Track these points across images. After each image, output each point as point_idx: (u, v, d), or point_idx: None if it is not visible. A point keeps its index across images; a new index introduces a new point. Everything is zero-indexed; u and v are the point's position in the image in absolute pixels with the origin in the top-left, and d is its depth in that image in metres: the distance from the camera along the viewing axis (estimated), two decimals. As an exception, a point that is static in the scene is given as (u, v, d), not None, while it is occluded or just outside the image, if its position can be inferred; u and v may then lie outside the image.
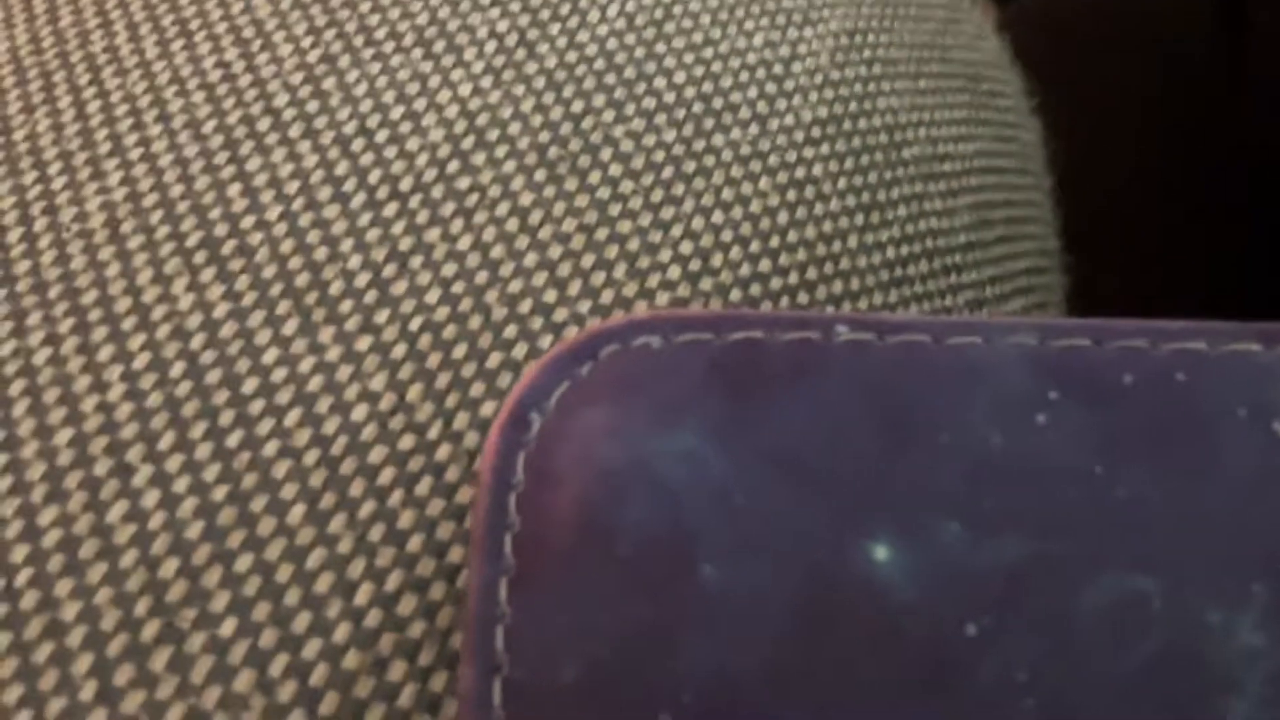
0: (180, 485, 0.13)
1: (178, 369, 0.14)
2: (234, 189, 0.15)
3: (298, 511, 0.13)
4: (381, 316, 0.15)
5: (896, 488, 0.12)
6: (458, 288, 0.15)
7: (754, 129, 0.17)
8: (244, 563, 0.13)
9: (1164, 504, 0.12)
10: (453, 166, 0.16)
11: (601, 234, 0.16)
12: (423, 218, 0.15)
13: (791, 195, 0.17)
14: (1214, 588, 0.11)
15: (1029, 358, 0.12)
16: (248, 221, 0.15)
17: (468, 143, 0.16)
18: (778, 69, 0.18)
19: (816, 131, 0.18)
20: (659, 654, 0.11)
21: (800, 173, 0.17)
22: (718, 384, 0.12)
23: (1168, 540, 0.12)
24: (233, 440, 0.14)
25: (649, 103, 0.17)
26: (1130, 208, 0.31)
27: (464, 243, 0.15)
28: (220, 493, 0.13)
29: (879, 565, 0.12)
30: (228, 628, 0.13)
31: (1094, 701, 0.11)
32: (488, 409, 0.14)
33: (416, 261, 0.15)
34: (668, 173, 0.16)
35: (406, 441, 0.14)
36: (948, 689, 0.11)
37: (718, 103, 0.17)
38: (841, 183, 0.18)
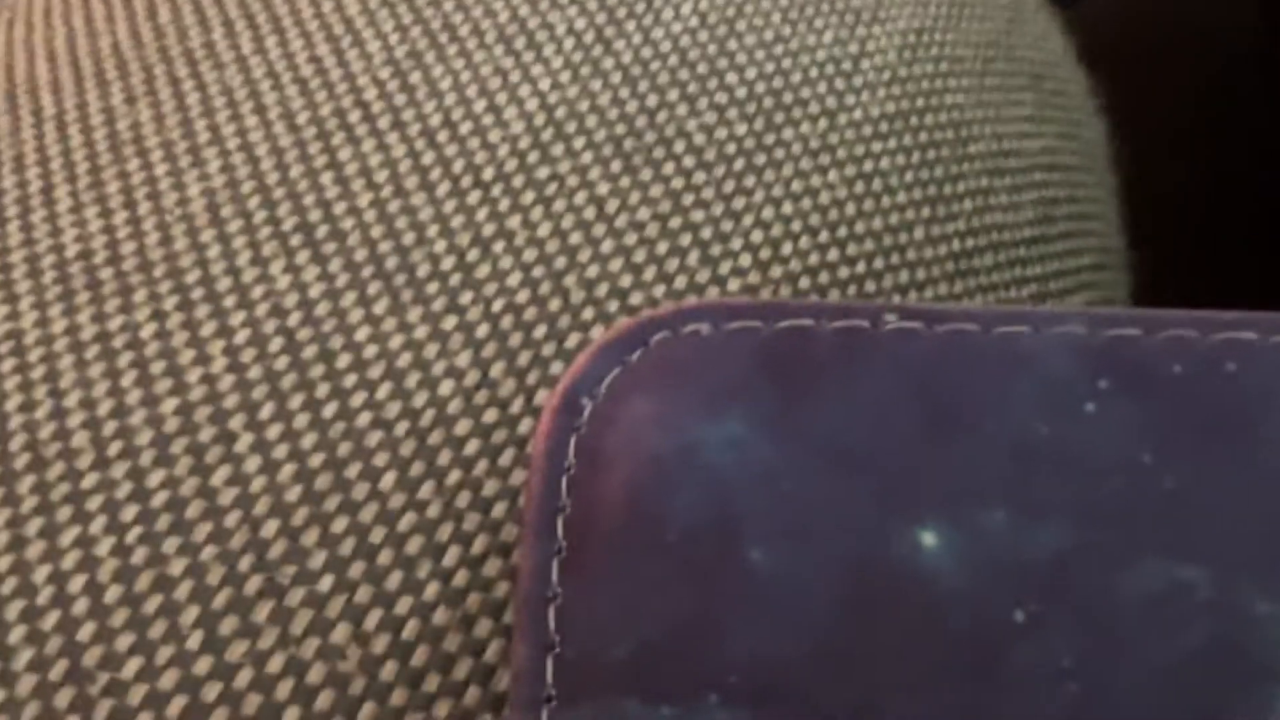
0: (280, 452, 0.14)
1: (276, 344, 0.15)
2: (327, 177, 0.16)
3: (389, 478, 0.14)
4: (466, 298, 0.15)
5: (943, 475, 0.12)
6: (537, 271, 0.15)
7: (823, 123, 0.18)
8: (340, 524, 0.14)
9: (1212, 494, 0.12)
10: (533, 157, 0.16)
11: (675, 222, 0.16)
12: (504, 205, 0.16)
13: (859, 188, 0.17)
14: (1261, 578, 0.11)
15: (1078, 347, 0.12)
16: (340, 207, 0.16)
17: (547, 134, 0.16)
18: (846, 65, 0.18)
19: (884, 126, 0.18)
20: (707, 636, 0.12)
21: (868, 166, 0.18)
22: (766, 371, 0.12)
23: (1215, 530, 0.12)
24: (328, 411, 0.14)
25: (721, 97, 0.17)
26: (1194, 207, 0.31)
27: (543, 229, 0.16)
28: (317, 459, 0.14)
29: (925, 551, 0.12)
30: (325, 584, 0.13)
31: (1137, 689, 0.11)
32: None
33: (499, 246, 0.16)
34: (739, 165, 0.17)
35: (490, 415, 0.14)
36: (992, 674, 0.11)
37: (788, 98, 0.18)
38: (908, 176, 0.18)
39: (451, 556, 0.14)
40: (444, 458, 0.14)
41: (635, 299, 0.16)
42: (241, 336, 0.15)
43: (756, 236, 0.16)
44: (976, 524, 0.12)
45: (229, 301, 0.15)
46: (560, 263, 0.16)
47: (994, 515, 0.12)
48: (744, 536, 0.12)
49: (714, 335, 0.13)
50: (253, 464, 0.14)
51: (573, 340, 0.15)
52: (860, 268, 0.17)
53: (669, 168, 0.17)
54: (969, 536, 0.12)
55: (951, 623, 0.11)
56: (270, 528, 0.14)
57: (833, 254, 0.17)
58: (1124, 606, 0.11)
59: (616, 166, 0.16)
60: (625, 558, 0.12)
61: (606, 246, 0.16)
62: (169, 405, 0.14)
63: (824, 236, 0.17)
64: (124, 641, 0.13)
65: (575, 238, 0.16)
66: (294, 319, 0.15)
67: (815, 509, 0.12)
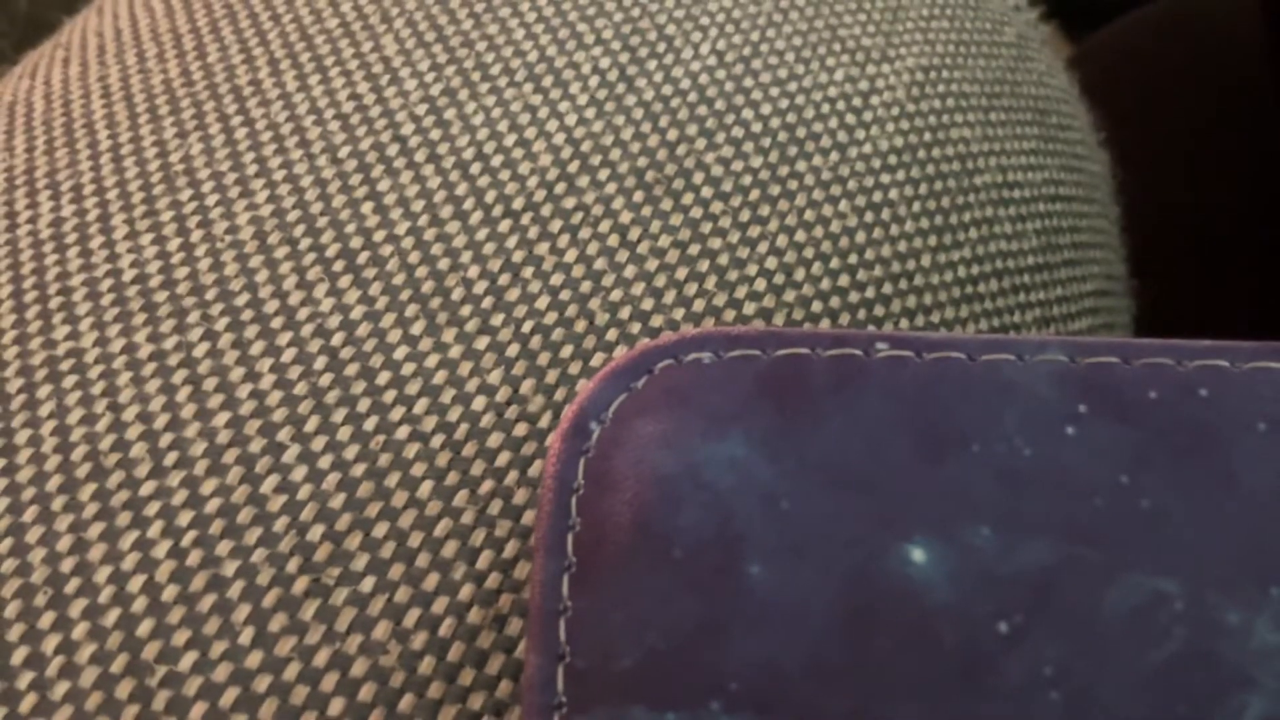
0: (324, 462, 0.15)
1: (320, 362, 0.16)
2: (367, 207, 0.17)
3: (427, 486, 0.15)
4: (498, 320, 0.16)
5: (932, 494, 0.12)
6: (565, 295, 0.16)
7: (834, 156, 0.18)
8: (381, 529, 0.15)
9: (1186, 512, 0.12)
10: (560, 188, 0.17)
11: (694, 249, 0.17)
12: (533, 233, 0.17)
13: (869, 217, 0.18)
14: (1233, 590, 0.12)
15: (1059, 374, 0.13)
16: (379, 235, 0.17)
17: (573, 167, 0.17)
18: (857, 101, 0.19)
19: (893, 159, 0.19)
20: (709, 646, 0.12)
21: (878, 197, 0.18)
22: (765, 396, 0.13)
23: (1190, 546, 0.12)
24: (369, 424, 0.15)
25: (738, 132, 0.18)
26: (1195, 235, 0.32)
27: (570, 256, 0.17)
28: (359, 469, 0.15)
29: (916, 567, 0.12)
30: (367, 584, 0.14)
31: (1118, 695, 0.11)
32: None
33: (528, 272, 0.17)
34: (755, 195, 0.18)
35: (520, 429, 0.15)
36: (979, 683, 0.12)
37: (801, 132, 0.18)
38: (916, 206, 0.19)
39: (484, 560, 0.14)
40: (477, 468, 0.15)
41: (656, 321, 0.16)
42: (288, 355, 0.16)
43: (771, 263, 0.17)
44: (964, 540, 0.12)
45: (276, 323, 0.16)
46: (586, 287, 0.16)
47: (981, 532, 0.12)
48: (745, 552, 0.12)
49: (715, 362, 0.13)
50: (299, 473, 0.15)
51: (597, 359, 0.16)
52: (870, 293, 0.18)
53: (688, 198, 0.17)
54: (957, 552, 0.12)
55: (941, 634, 0.12)
56: (316, 532, 0.15)
57: (843, 280, 0.18)
58: (1104, 619, 0.12)
59: (639, 197, 0.17)
60: (632, 573, 0.12)
61: (629, 272, 0.17)
62: (221, 419, 0.15)
63: (835, 263, 0.18)
64: (180, 637, 0.14)
65: (600, 263, 0.17)
66: (337, 339, 0.16)
67: (812, 526, 0.12)
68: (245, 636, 0.14)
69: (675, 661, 0.12)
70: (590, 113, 0.18)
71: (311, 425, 0.15)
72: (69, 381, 0.16)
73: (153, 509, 0.15)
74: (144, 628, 0.14)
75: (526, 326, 0.16)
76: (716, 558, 0.12)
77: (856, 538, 0.12)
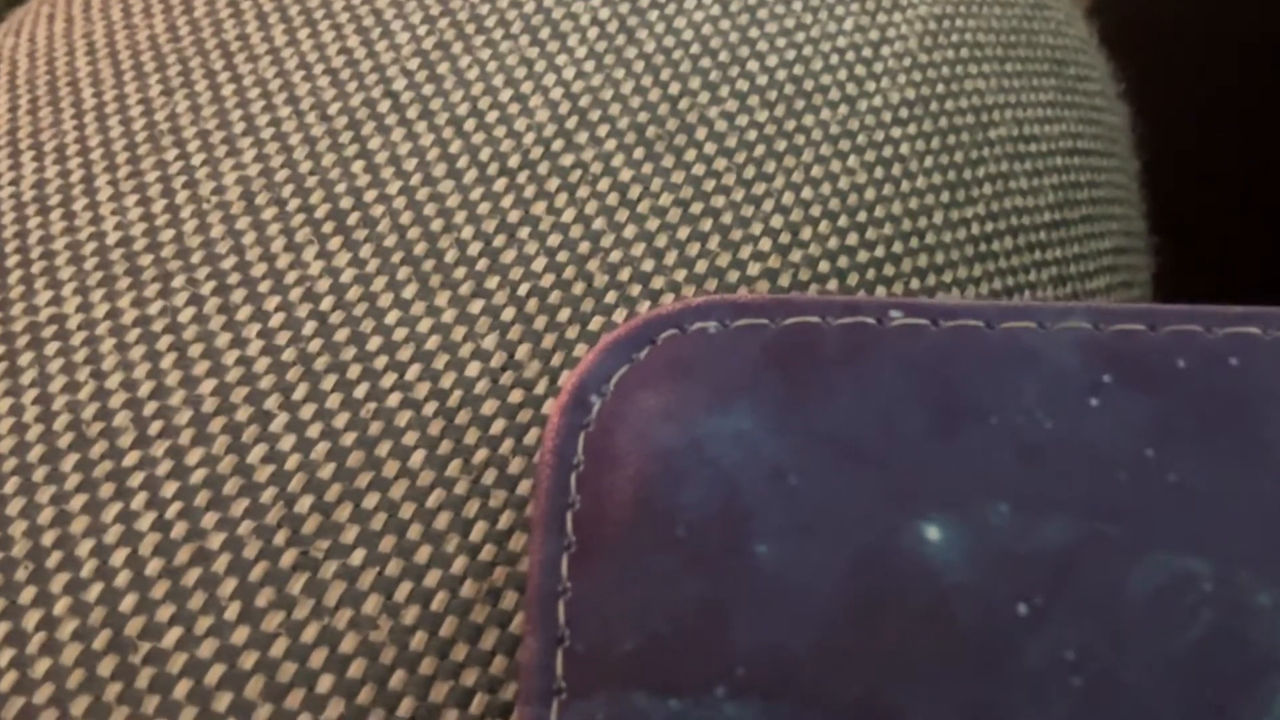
0: (313, 431, 0.14)
1: (309, 327, 0.15)
2: (358, 165, 0.16)
3: (419, 456, 0.14)
4: (492, 282, 0.16)
5: (948, 470, 0.12)
6: (562, 256, 0.16)
7: (843, 110, 0.18)
8: (371, 500, 0.14)
9: (1214, 487, 0.12)
10: (557, 145, 0.17)
11: (696, 208, 0.17)
12: (530, 192, 0.16)
13: (879, 173, 0.18)
14: (1264, 570, 0.11)
15: (1082, 342, 0.12)
16: (370, 195, 0.16)
17: (571, 123, 0.17)
18: (866, 52, 0.19)
19: (904, 112, 0.18)
20: (714, 629, 0.12)
21: (888, 151, 0.18)
22: (772, 367, 0.12)
23: (1218, 522, 0.12)
24: (359, 391, 0.15)
25: (742, 85, 0.18)
26: (1218, 192, 0.31)
27: (568, 215, 0.16)
28: (349, 438, 0.14)
29: (930, 545, 0.12)
30: (357, 557, 0.14)
31: (1142, 680, 0.11)
32: None
33: (524, 232, 0.16)
34: (760, 151, 0.17)
35: (516, 395, 0.15)
36: (997, 667, 0.11)
37: (808, 85, 0.18)
38: (928, 161, 0.18)
39: (478, 531, 0.14)
40: (471, 436, 0.15)
41: (657, 283, 0.16)
42: (276, 320, 0.15)
43: (777, 221, 0.17)
44: (981, 518, 0.12)
45: (264, 286, 0.15)
46: (584, 247, 0.16)
47: (999, 509, 0.12)
48: (751, 531, 0.12)
49: (720, 332, 0.13)
50: (287, 442, 0.14)
51: (596, 323, 0.15)
52: (879, 252, 0.17)
53: (691, 154, 0.17)
54: (974, 530, 0.12)
55: (956, 616, 0.11)
56: (304, 503, 0.14)
57: (852, 238, 0.17)
58: (1127, 599, 0.11)
59: (639, 154, 0.17)
60: (634, 552, 0.12)
61: (629, 232, 0.16)
62: (207, 386, 0.15)
63: (843, 221, 0.17)
64: (164, 612, 0.14)
65: (599, 223, 0.16)
66: (326, 303, 0.15)
67: (821, 503, 0.12)
68: (231, 612, 0.13)
69: (679, 645, 0.12)
70: (589, 66, 0.17)
71: (300, 393, 0.15)
72: (51, 348, 0.15)
73: (136, 480, 0.14)
74: (127, 603, 0.14)
75: (522, 289, 0.16)
76: (722, 536, 0.12)
77: (868, 515, 0.12)
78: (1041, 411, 0.12)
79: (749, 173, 0.17)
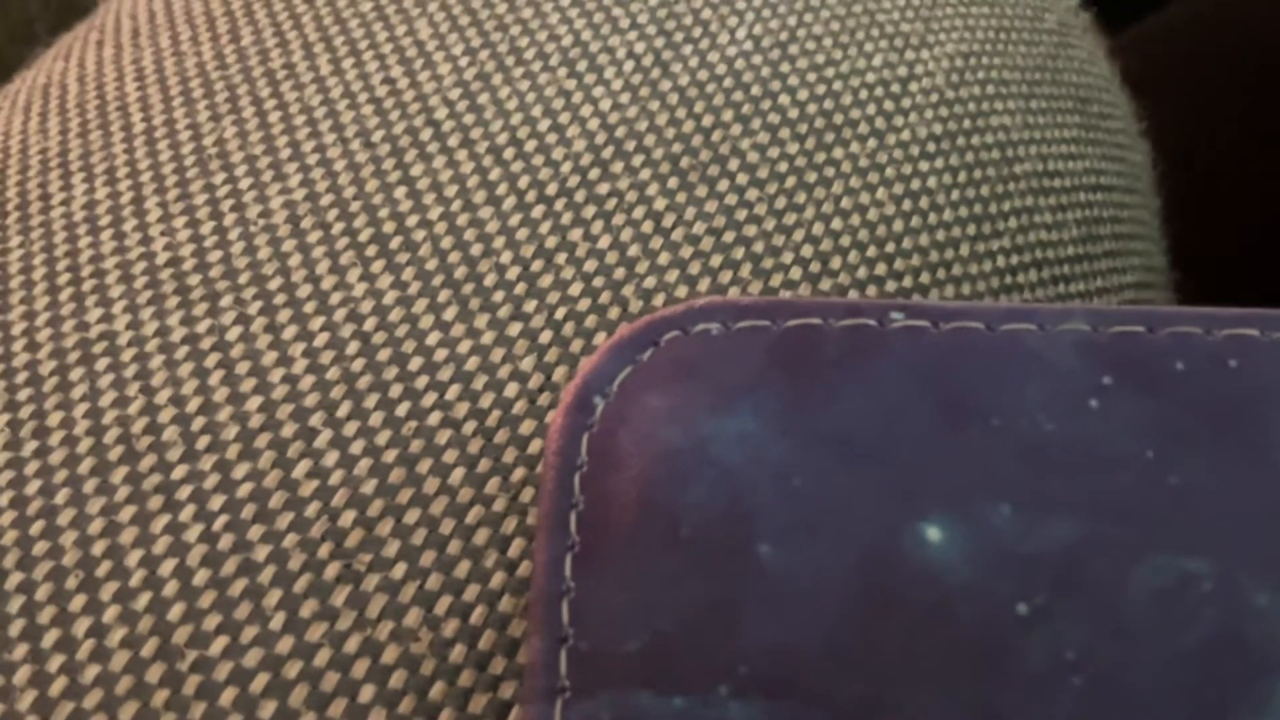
0: (356, 447, 0.15)
1: (353, 347, 0.16)
2: (400, 191, 0.17)
3: (458, 474, 0.15)
4: (530, 306, 0.16)
5: (950, 470, 0.12)
6: (598, 282, 0.16)
7: (872, 143, 0.18)
8: (412, 515, 0.14)
9: (1215, 488, 0.12)
10: (594, 174, 0.17)
11: (729, 237, 0.17)
12: (567, 219, 0.17)
13: (907, 205, 0.18)
14: (1264, 571, 0.11)
15: (1082, 344, 0.12)
16: (412, 220, 0.17)
17: (607, 152, 0.17)
18: (895, 88, 0.19)
19: (931, 147, 0.19)
20: (718, 629, 0.12)
21: (915, 184, 0.18)
22: (775, 369, 0.13)
23: (1218, 524, 0.12)
24: (401, 410, 0.15)
25: (774, 118, 0.18)
26: (1237, 229, 0.32)
27: (604, 242, 0.17)
28: (391, 455, 0.15)
29: (932, 546, 0.12)
30: (399, 571, 0.14)
31: (1142, 680, 0.11)
32: None
33: (561, 258, 0.16)
34: (791, 183, 0.18)
35: (553, 416, 0.15)
36: (998, 667, 0.11)
37: (838, 119, 0.18)
38: (955, 195, 0.18)
39: (516, 548, 0.14)
40: (509, 455, 0.15)
41: (691, 309, 0.16)
42: (321, 340, 0.16)
43: (807, 251, 0.17)
44: (982, 518, 0.12)
45: (309, 307, 0.16)
46: (619, 273, 0.16)
47: (1000, 510, 0.12)
48: (754, 531, 0.12)
49: (723, 334, 0.13)
50: (331, 458, 0.15)
51: None
52: (908, 282, 0.17)
53: (723, 184, 0.17)
54: (975, 531, 0.12)
55: (958, 616, 0.11)
56: (348, 518, 0.14)
57: (880, 269, 0.17)
58: (1128, 600, 0.11)
59: (673, 183, 0.17)
60: (637, 552, 0.12)
61: (663, 258, 0.17)
62: (253, 403, 0.15)
63: (872, 252, 0.17)
64: (211, 621, 0.14)
65: (634, 250, 0.17)
66: (370, 323, 0.16)
67: (824, 504, 0.12)
68: (276, 622, 0.14)
69: (683, 644, 0.12)
70: (625, 97, 0.18)
71: (344, 410, 0.15)
72: (101, 364, 0.16)
73: (184, 492, 0.15)
74: (175, 612, 0.14)
75: (560, 312, 0.16)
76: (725, 537, 0.12)
77: (871, 516, 0.12)
78: (1042, 413, 0.12)
79: (780, 203, 0.17)
